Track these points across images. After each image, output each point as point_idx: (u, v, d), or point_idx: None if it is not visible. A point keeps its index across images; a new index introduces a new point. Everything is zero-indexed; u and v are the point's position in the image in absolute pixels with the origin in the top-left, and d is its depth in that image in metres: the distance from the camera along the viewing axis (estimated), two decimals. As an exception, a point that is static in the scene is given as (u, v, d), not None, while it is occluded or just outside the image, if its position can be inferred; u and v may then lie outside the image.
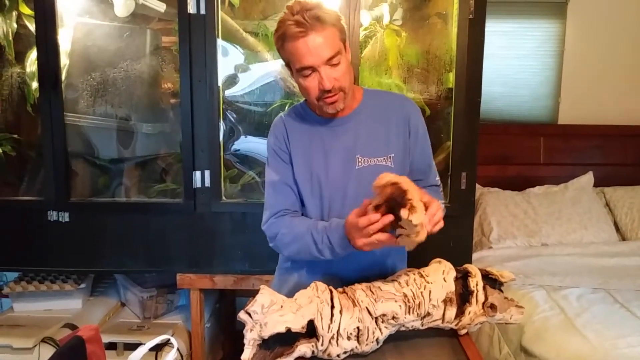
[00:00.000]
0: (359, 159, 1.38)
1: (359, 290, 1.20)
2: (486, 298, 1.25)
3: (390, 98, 1.49)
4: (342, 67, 1.29)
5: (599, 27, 3.11)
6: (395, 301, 1.18)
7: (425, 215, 1.08)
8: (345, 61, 1.30)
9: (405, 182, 1.07)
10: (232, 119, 2.27)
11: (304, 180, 1.40)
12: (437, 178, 1.49)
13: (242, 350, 1.11)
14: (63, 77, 2.14)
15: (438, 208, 1.13)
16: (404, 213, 1.04)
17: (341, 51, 1.28)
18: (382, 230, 1.13)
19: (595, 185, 2.99)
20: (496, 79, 3.14)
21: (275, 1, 2.22)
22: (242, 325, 1.12)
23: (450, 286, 1.24)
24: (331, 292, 1.18)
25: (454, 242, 2.12)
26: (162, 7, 2.19)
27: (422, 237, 1.08)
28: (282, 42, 1.27)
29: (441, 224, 1.15)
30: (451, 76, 2.11)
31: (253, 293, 1.13)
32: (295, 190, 1.41)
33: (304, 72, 1.28)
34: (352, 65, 2.02)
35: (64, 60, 2.16)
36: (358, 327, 1.15)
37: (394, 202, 1.10)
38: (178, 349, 2.07)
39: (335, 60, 1.26)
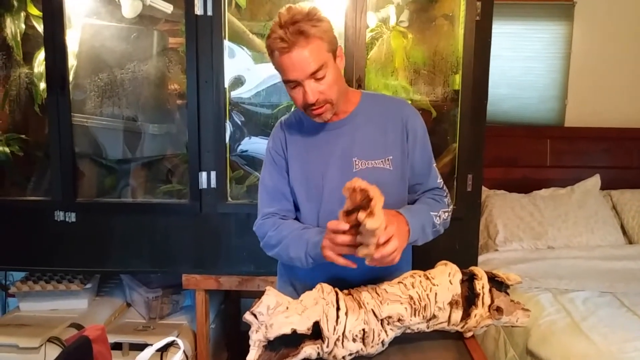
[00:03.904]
0: (356, 162, 1.37)
1: (365, 292, 1.20)
2: (492, 301, 1.25)
3: (388, 101, 1.48)
4: (329, 79, 1.27)
5: (606, 29, 3.10)
6: (401, 303, 1.18)
7: (382, 234, 1.08)
8: (333, 72, 1.28)
9: (373, 190, 1.07)
10: (238, 120, 2.27)
11: (300, 184, 1.41)
12: (439, 180, 1.47)
13: (247, 352, 1.11)
14: (70, 77, 2.15)
15: (392, 240, 1.12)
16: (361, 215, 1.05)
17: (327, 64, 1.26)
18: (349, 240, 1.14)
19: (602, 188, 2.97)
20: (502, 80, 3.12)
21: (281, 2, 2.22)
22: (247, 326, 1.12)
23: (456, 289, 1.23)
24: (337, 293, 1.18)
25: (460, 244, 2.12)
26: (169, 9, 2.20)
27: (371, 250, 1.08)
28: (270, 51, 1.28)
29: (391, 258, 1.13)
30: (457, 78, 2.11)
31: (258, 294, 1.14)
32: (287, 195, 1.43)
33: (290, 84, 1.29)
34: (358, 67, 2.04)
35: (72, 61, 2.17)
36: (363, 329, 1.15)
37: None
38: (184, 350, 2.08)
39: (320, 74, 1.25)
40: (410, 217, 1.27)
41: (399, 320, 1.17)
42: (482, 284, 1.25)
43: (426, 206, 1.39)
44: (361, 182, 1.08)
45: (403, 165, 1.40)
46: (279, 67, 1.28)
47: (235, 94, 2.23)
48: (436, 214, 1.37)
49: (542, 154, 3.10)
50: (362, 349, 1.16)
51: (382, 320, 1.17)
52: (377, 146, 1.38)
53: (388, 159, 1.38)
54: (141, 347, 2.10)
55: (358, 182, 1.08)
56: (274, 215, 1.41)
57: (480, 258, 2.52)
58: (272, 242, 1.38)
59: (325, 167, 1.38)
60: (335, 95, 1.30)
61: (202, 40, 2.05)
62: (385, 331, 1.18)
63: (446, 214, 1.42)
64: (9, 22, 2.24)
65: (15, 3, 2.23)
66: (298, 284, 1.48)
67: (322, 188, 1.38)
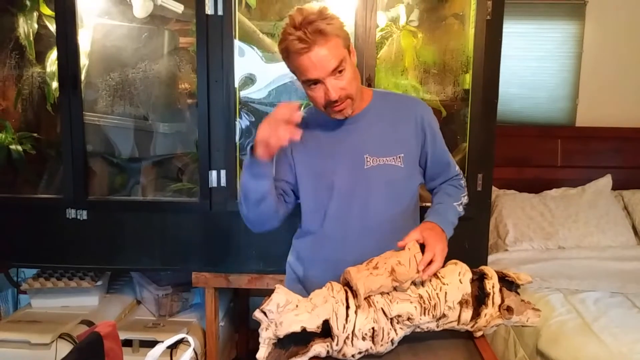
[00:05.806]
0: (368, 159, 1.39)
1: (374, 291, 1.20)
2: (502, 300, 1.24)
3: (401, 99, 1.51)
4: (348, 74, 1.29)
5: (618, 28, 3.07)
6: (411, 302, 1.18)
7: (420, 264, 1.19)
8: (351, 67, 1.30)
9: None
10: (248, 120, 2.28)
11: (308, 179, 1.43)
12: (456, 168, 1.52)
13: (256, 349, 1.12)
14: (82, 77, 2.17)
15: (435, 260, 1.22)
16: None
17: (345, 59, 1.28)
18: None
19: (613, 188, 2.94)
20: (513, 80, 3.10)
21: (291, 2, 2.22)
22: (256, 324, 1.13)
23: (466, 288, 1.23)
24: (346, 292, 1.18)
25: (470, 244, 2.11)
26: (179, 8, 2.21)
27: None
28: (286, 54, 1.28)
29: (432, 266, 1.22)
30: (468, 77, 2.10)
31: (267, 292, 1.14)
32: (280, 188, 1.43)
33: (309, 84, 1.29)
34: (368, 67, 2.04)
35: (84, 61, 2.19)
36: (373, 328, 1.15)
37: None
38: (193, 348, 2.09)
39: (341, 68, 1.27)
40: (441, 221, 1.34)
41: (408, 319, 1.17)
42: (492, 284, 1.24)
43: (449, 199, 1.44)
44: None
45: (415, 162, 1.42)
46: (297, 68, 1.28)
47: (245, 93, 2.23)
48: (459, 202, 1.44)
49: (553, 154, 3.07)
50: (371, 348, 1.16)
51: (391, 319, 1.17)
52: (389, 143, 1.40)
53: (399, 156, 1.39)
54: (151, 344, 2.11)
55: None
56: None
57: (490, 258, 2.51)
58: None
59: (336, 163, 1.39)
60: (354, 90, 1.32)
61: (212, 39, 2.05)
62: (395, 330, 1.18)
63: (465, 197, 1.49)
64: (21, 22, 2.26)
65: (28, 3, 2.26)
66: (306, 282, 1.49)
67: (332, 183, 1.39)
